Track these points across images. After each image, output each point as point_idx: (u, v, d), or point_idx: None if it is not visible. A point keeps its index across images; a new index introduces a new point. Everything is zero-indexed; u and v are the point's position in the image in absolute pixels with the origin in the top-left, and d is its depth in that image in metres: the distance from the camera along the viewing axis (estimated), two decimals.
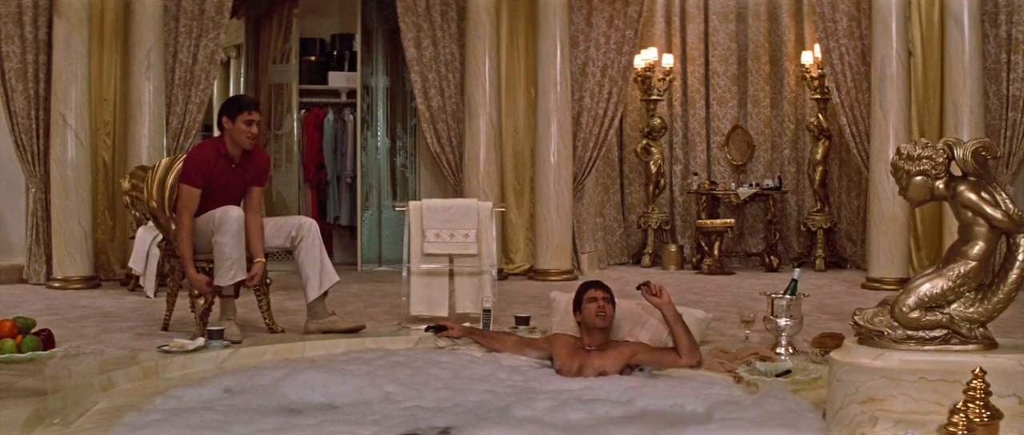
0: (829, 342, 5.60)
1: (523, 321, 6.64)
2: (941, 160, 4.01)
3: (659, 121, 11.60)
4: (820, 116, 11.10)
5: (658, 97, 11.57)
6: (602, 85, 10.56)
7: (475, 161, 10.10)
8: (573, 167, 10.36)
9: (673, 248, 11.37)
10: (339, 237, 12.00)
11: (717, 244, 10.83)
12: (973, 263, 4.00)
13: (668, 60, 11.62)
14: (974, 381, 3.52)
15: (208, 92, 10.05)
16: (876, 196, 9.36)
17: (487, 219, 7.34)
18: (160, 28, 9.64)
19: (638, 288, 5.70)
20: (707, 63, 11.87)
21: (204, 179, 6.56)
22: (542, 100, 10.17)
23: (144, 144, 9.51)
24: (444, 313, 7.13)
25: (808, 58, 11.15)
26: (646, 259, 11.56)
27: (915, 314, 3.98)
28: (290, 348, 6.22)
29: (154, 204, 6.93)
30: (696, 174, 11.69)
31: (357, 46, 11.40)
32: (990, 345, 4.02)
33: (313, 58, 11.73)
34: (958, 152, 3.99)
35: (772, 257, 11.13)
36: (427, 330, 6.42)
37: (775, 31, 11.71)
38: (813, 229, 11.23)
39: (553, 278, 9.97)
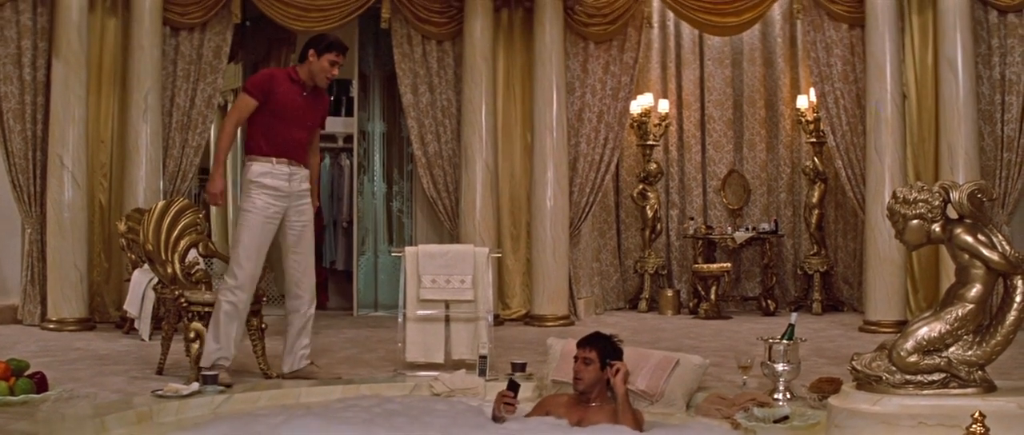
0: (827, 387, 5.55)
1: (519, 367, 6.57)
2: (937, 203, 4.02)
3: (655, 166, 11.61)
4: (816, 159, 11.12)
5: (654, 142, 11.59)
6: (598, 131, 10.57)
7: (471, 206, 10.09)
8: (569, 212, 10.34)
9: (670, 293, 11.35)
10: (335, 282, 11.96)
11: (714, 288, 10.81)
12: (971, 306, 3.99)
13: (664, 105, 11.66)
14: (974, 426, 3.49)
15: (205, 136, 10.07)
16: (873, 239, 9.35)
17: (483, 265, 7.31)
18: (158, 71, 9.68)
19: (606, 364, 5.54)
20: (703, 108, 11.91)
21: (263, 93, 6.52)
22: (538, 145, 10.18)
23: (141, 186, 9.52)
24: (440, 359, 7.09)
25: (803, 102, 11.19)
26: (643, 304, 11.53)
27: (913, 358, 3.97)
28: (286, 394, 6.17)
29: (150, 247, 6.93)
30: (692, 218, 11.69)
31: (354, 91, 11.42)
32: (989, 388, 4.00)
33: None
34: (954, 195, 4.00)
35: (769, 301, 11.10)
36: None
37: (770, 76, 11.76)
38: (810, 272, 11.21)
39: (549, 324, 9.93)
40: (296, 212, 6.70)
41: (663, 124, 11.63)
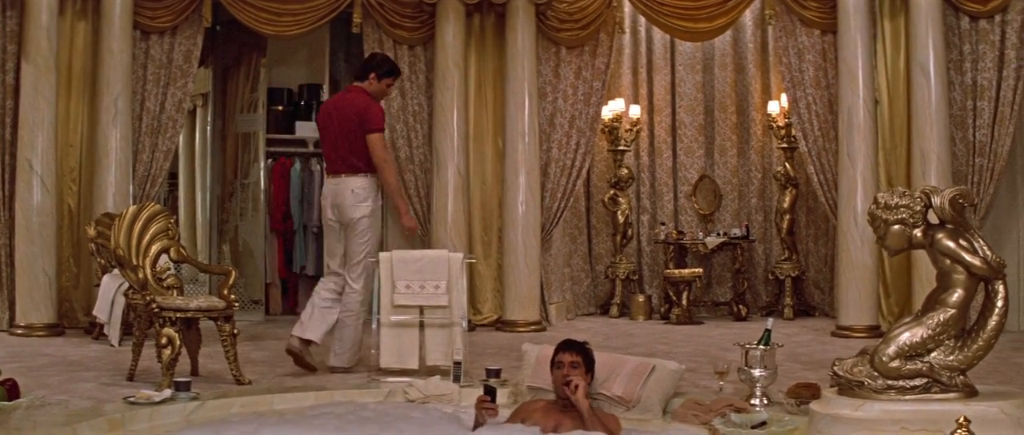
0: (805, 392, 5.56)
1: (494, 373, 6.54)
2: (919, 209, 4.03)
3: (626, 171, 11.61)
4: (787, 165, 11.15)
5: (625, 147, 11.59)
6: (570, 136, 10.55)
7: (443, 212, 10.05)
8: (541, 218, 10.31)
9: (641, 298, 11.34)
10: (305, 287, 11.84)
11: (685, 294, 10.80)
12: (952, 311, 4.00)
13: (635, 111, 11.66)
14: (958, 430, 3.49)
15: (175, 140, 9.99)
16: (845, 244, 9.37)
17: (458, 270, 7.26)
18: (128, 75, 9.57)
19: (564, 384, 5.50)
20: (674, 113, 11.92)
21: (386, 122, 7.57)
22: (510, 151, 10.15)
23: (110, 191, 9.40)
24: (414, 365, 7.04)
25: (774, 108, 11.22)
26: (614, 309, 11.51)
27: (895, 363, 3.97)
28: (259, 401, 6.11)
29: (121, 251, 6.86)
30: (664, 224, 11.69)
31: (325, 96, 11.36)
32: (970, 393, 4.01)
33: (280, 108, 11.66)
34: (936, 200, 4.00)
35: (741, 306, 11.11)
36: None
37: (741, 81, 11.79)
38: (781, 277, 11.24)
39: (521, 329, 9.89)
40: None
41: (634, 129, 11.63)
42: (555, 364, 5.55)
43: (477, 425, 5.32)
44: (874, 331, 9.26)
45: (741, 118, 11.82)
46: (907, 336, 3.99)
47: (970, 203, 4.03)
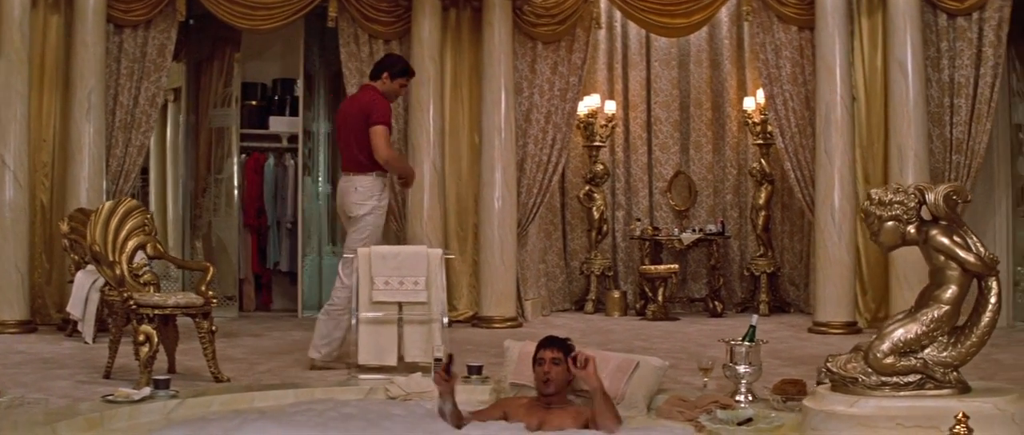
0: (791, 389, 5.55)
1: (475, 370, 6.48)
2: (912, 205, 4.02)
3: (602, 167, 11.58)
4: (763, 161, 11.16)
5: (600, 143, 11.56)
6: (546, 132, 10.51)
7: (419, 207, 9.99)
8: (517, 214, 10.27)
9: (616, 294, 11.32)
10: (278, 283, 11.79)
11: (661, 290, 10.79)
12: (946, 307, 4.00)
13: (610, 106, 11.63)
14: (957, 426, 3.48)
15: (149, 135, 9.90)
16: (822, 240, 9.38)
17: (437, 266, 7.24)
18: (102, 69, 9.45)
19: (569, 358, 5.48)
20: (649, 109, 11.89)
21: (390, 118, 7.59)
22: (487, 146, 10.10)
23: (83, 186, 9.28)
24: (393, 362, 7.00)
25: (750, 104, 11.23)
26: (589, 305, 11.49)
27: (889, 360, 3.97)
28: (238, 398, 6.01)
29: (98, 248, 6.75)
30: (639, 220, 11.67)
31: (299, 91, 11.27)
32: (964, 389, 4.02)
33: (254, 102, 11.56)
34: (929, 197, 4.00)
35: (716, 303, 11.12)
36: (437, 360, 6.15)
37: (717, 77, 11.79)
38: (757, 274, 11.25)
39: (497, 325, 9.85)
40: None
41: (610, 125, 11.61)
42: (537, 361, 5.50)
43: (442, 411, 5.30)
44: (851, 327, 9.30)
45: (717, 114, 11.82)
46: (901, 332, 3.99)
47: (964, 200, 4.03)
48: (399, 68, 7.68)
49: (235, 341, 8.84)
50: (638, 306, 11.26)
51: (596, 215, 11.60)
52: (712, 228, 11.34)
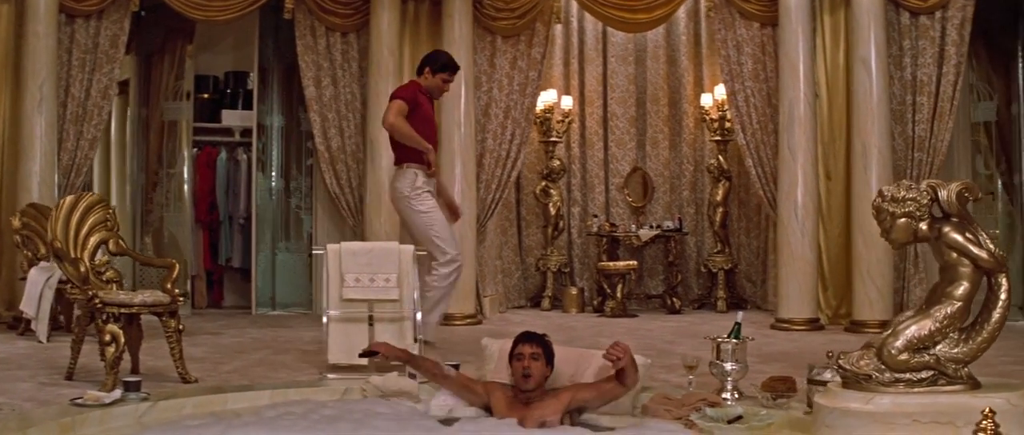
0: (780, 386, 5.51)
1: (453, 368, 6.33)
2: (925, 202, 4.00)
3: (558, 163, 11.52)
4: (720, 158, 11.17)
5: (557, 139, 11.50)
6: (505, 126, 10.41)
7: (377, 203, 9.83)
8: (477, 209, 10.16)
9: (574, 291, 11.26)
10: (230, 279, 11.57)
11: (620, 287, 10.75)
12: (959, 304, 3.99)
13: (567, 102, 11.57)
14: (984, 422, 3.45)
15: (100, 128, 9.63)
16: (785, 237, 9.38)
17: (408, 263, 7.12)
18: (54, 60, 9.19)
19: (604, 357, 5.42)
20: (606, 105, 11.86)
21: (413, 98, 7.38)
22: (446, 141, 9.96)
23: (35, 181, 9.03)
24: (364, 361, 6.83)
25: (707, 100, 11.24)
26: (545, 302, 11.43)
27: (904, 356, 3.94)
28: (211, 400, 5.81)
29: (59, 244, 6.51)
30: (596, 216, 11.63)
31: (253, 84, 11.05)
32: (974, 385, 4.01)
33: (206, 96, 11.32)
34: (942, 194, 3.98)
35: (674, 299, 11.10)
36: (361, 355, 6.08)
37: (673, 74, 11.77)
38: (714, 270, 11.26)
39: (458, 322, 9.72)
40: None
41: (566, 121, 11.55)
42: (514, 356, 5.43)
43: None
44: (814, 324, 9.32)
45: (673, 111, 11.81)
46: (915, 329, 3.97)
47: (974, 197, 4.01)
48: (440, 63, 7.62)
49: (193, 339, 8.60)
50: (596, 303, 11.21)
51: (552, 211, 11.54)
52: (669, 224, 11.32)
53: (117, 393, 5.58)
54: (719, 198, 11.24)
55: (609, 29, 11.59)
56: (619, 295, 10.72)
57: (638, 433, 5.10)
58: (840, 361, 4.03)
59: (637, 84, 11.82)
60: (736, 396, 5.70)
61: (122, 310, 6.29)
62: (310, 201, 11.18)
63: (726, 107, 10.77)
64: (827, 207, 9.69)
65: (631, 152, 11.85)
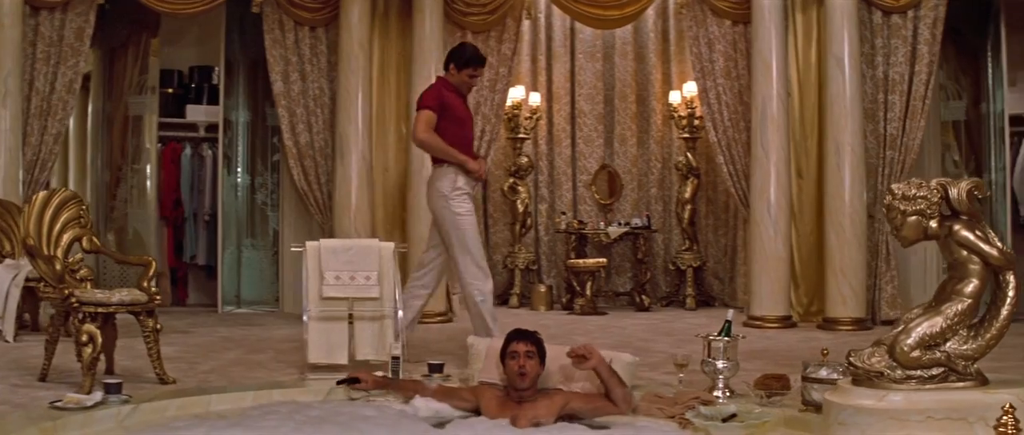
0: (774, 384, 5.50)
1: (436, 368, 6.27)
2: (936, 200, 4.02)
3: (526, 160, 11.47)
4: (689, 155, 11.17)
5: (525, 136, 11.45)
6: (475, 123, 10.32)
7: (346, 200, 9.72)
8: None
9: (543, 288, 11.22)
10: (195, 277, 11.39)
11: (589, 284, 10.72)
12: (969, 301, 4.03)
13: (535, 98, 11.52)
14: (1004, 417, 3.45)
15: (65, 123, 9.42)
16: (758, 235, 9.39)
17: (389, 260, 7.02)
18: (18, 53, 8.96)
19: (568, 355, 5.42)
20: (573, 102, 11.83)
21: (438, 102, 7.06)
22: None
23: None
24: (343, 360, 6.76)
25: (676, 98, 11.23)
26: (514, 300, 11.38)
27: (916, 353, 3.97)
28: (194, 402, 5.68)
29: (32, 241, 6.35)
30: (564, 213, 11.59)
31: (219, 79, 10.89)
32: (983, 381, 4.04)
33: (170, 90, 11.14)
34: (953, 192, 4.00)
35: (643, 297, 11.09)
36: (339, 384, 5.94)
37: (642, 70, 11.77)
38: (683, 268, 11.26)
39: (429, 320, 9.60)
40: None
41: (534, 118, 11.50)
42: (509, 355, 5.38)
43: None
44: (786, 322, 9.34)
45: (641, 108, 11.80)
46: (926, 326, 3.99)
47: (983, 195, 4.04)
48: (465, 58, 7.25)
49: (163, 338, 8.38)
50: (564, 300, 11.18)
51: (520, 208, 11.49)
52: (638, 222, 11.31)
53: (98, 395, 5.44)
54: (687, 195, 11.24)
55: (577, 25, 11.57)
56: (589, 293, 10.69)
57: (634, 432, 5.07)
58: (851, 358, 4.03)
59: (605, 81, 11.80)
60: (727, 394, 5.69)
61: (99, 309, 6.15)
62: (276, 198, 11.05)
63: (695, 104, 10.78)
64: (798, 205, 9.71)
65: (599, 149, 11.83)
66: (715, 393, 5.68)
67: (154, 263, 6.61)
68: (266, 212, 11.24)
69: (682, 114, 11.13)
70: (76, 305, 6.11)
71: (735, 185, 9.91)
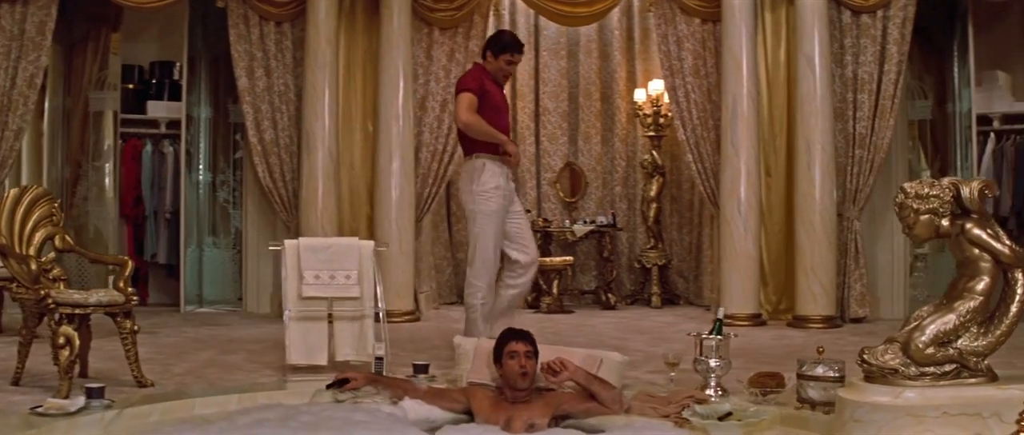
0: (769, 382, 5.51)
1: (422, 369, 6.20)
2: (948, 199, 4.05)
3: None
4: (654, 153, 11.19)
5: None
6: (442, 119, 10.24)
7: (313, 197, 9.62)
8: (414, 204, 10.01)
9: None
10: (155, 276, 11.19)
11: (556, 282, 10.69)
12: (980, 298, 4.09)
13: None
14: None
15: (27, 119, 9.18)
16: (728, 234, 9.40)
17: (369, 259, 6.93)
18: None
19: (541, 371, 5.35)
20: (537, 99, 11.80)
21: (479, 86, 6.90)
22: (384, 134, 9.79)
23: None
24: (323, 361, 6.67)
25: (641, 96, 11.24)
26: None
27: (930, 350, 4.02)
28: (179, 406, 5.54)
29: (3, 240, 6.19)
30: (528, 211, 11.50)
31: (181, 74, 10.71)
32: (993, 377, 4.10)
33: (131, 86, 10.93)
34: (965, 191, 4.04)
35: (609, 295, 11.08)
36: (329, 388, 5.83)
37: (606, 68, 11.76)
38: (648, 266, 11.27)
39: (397, 319, 9.50)
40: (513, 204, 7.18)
41: None
42: (508, 355, 5.31)
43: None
44: (756, 320, 9.38)
45: (605, 105, 11.79)
46: (940, 323, 4.04)
47: (993, 194, 4.09)
48: (501, 44, 7.09)
49: (142, 339, 8.28)
50: (530, 299, 11.12)
51: None
52: (603, 220, 11.31)
53: (80, 401, 5.30)
54: (652, 194, 11.26)
55: (542, 23, 11.53)
56: (555, 291, 10.67)
57: (632, 433, 5.03)
58: (864, 355, 4.06)
59: (569, 78, 11.78)
60: (720, 392, 5.68)
61: (77, 311, 6.01)
62: (239, 196, 10.89)
63: (661, 102, 10.79)
64: (767, 203, 9.75)
65: (563, 147, 11.81)
66: (708, 392, 5.67)
67: (129, 263, 6.47)
68: (228, 210, 11.08)
69: (647, 112, 11.13)
70: (53, 306, 5.95)
71: (704, 183, 9.93)
